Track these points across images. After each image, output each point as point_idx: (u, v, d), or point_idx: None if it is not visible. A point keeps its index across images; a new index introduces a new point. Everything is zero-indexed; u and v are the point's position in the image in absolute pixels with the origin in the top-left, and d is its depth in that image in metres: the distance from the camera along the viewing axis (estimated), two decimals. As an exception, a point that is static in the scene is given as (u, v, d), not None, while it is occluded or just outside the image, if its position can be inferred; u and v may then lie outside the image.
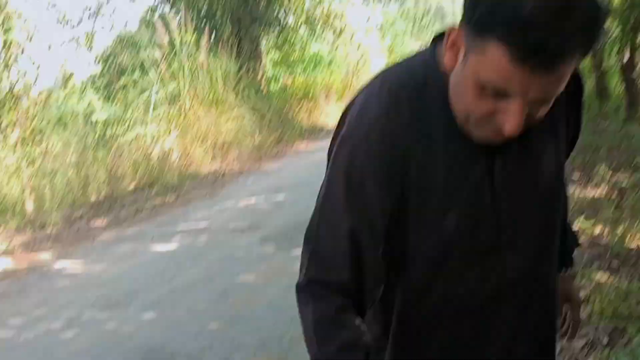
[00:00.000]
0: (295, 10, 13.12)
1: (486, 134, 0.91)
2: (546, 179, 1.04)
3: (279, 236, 5.21)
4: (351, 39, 14.10)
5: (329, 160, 1.06)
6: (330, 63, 16.24)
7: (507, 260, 1.02)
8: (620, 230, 3.99)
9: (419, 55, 1.05)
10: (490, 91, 0.85)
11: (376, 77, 1.05)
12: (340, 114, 1.09)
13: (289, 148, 11.72)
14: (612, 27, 7.75)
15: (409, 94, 0.97)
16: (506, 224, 1.01)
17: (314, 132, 14.17)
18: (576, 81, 1.02)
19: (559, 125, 1.04)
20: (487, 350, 1.07)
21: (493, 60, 0.81)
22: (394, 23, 23.54)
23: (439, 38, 0.99)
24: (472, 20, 0.83)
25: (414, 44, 30.25)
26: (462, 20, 0.87)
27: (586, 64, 8.69)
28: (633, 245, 3.77)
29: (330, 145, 1.07)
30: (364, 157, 0.97)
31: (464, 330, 1.06)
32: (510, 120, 0.85)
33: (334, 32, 13.71)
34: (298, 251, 4.09)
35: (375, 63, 21.43)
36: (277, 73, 15.23)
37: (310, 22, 13.44)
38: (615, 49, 8.81)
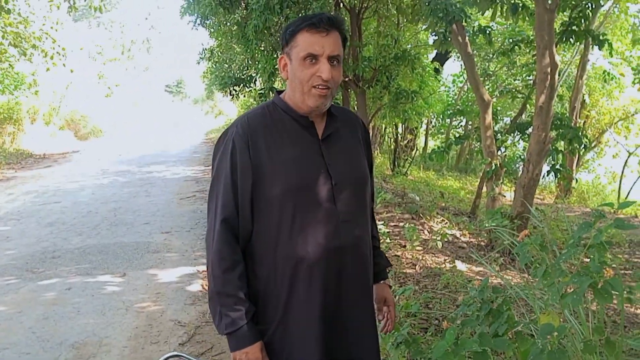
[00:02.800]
0: (2, 28, 12.21)
1: (315, 98, 1.65)
2: (357, 163, 1.78)
3: (17, 267, 5.13)
4: (62, 63, 13.58)
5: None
6: (33, 85, 15.32)
7: (339, 208, 1.68)
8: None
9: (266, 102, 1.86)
10: (308, 61, 1.62)
11: (243, 114, 1.83)
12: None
13: (-6, 175, 10.87)
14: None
15: (258, 115, 1.73)
16: (337, 183, 1.68)
17: (20, 158, 13.26)
18: (364, 127, 1.91)
19: (359, 142, 1.84)
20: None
21: (303, 40, 1.63)
22: (102, 50, 23.11)
23: (277, 93, 1.80)
24: (285, 38, 1.67)
25: (123, 71, 29.90)
26: (281, 50, 1.72)
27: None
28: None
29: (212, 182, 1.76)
30: (236, 139, 1.68)
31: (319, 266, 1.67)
32: (323, 69, 1.61)
33: (45, 54, 13.09)
34: (46, 281, 4.66)
35: (86, 88, 20.76)
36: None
37: (18, 42, 12.62)
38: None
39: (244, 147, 1.66)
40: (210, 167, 1.78)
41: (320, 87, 1.64)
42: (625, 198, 13.05)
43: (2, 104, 14.60)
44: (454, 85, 16.46)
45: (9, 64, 13.41)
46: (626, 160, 14.16)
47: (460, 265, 5.45)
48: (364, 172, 1.80)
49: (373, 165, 1.93)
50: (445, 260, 5.48)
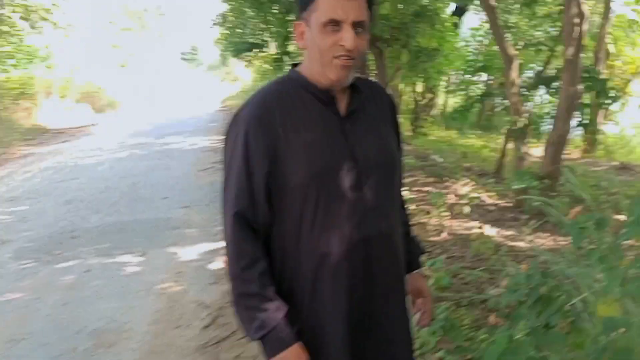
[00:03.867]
0: (11, 1, 12.04)
1: (336, 70, 1.44)
2: (385, 144, 1.57)
3: (35, 250, 5.05)
4: (74, 34, 13.43)
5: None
6: (47, 58, 15.20)
7: (366, 195, 1.48)
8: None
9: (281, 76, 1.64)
10: (329, 27, 1.40)
11: (255, 92, 1.58)
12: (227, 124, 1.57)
13: (11, 153, 10.82)
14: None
15: (273, 92, 1.53)
16: (363, 167, 1.48)
17: (37, 133, 13.21)
18: (392, 101, 1.69)
19: (387, 118, 1.63)
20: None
21: (323, 4, 1.40)
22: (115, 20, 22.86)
23: (292, 66, 1.60)
24: (303, 1, 1.44)
25: (140, 40, 29.66)
26: (297, 17, 1.50)
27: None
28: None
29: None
30: (250, 133, 1.46)
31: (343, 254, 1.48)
32: (347, 37, 1.40)
33: (54, 25, 12.92)
34: (64, 264, 4.44)
35: (101, 59, 20.60)
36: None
37: (27, 14, 12.44)
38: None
39: (258, 130, 1.46)
40: (223, 151, 1.56)
41: (343, 57, 1.43)
42: (655, 149, 12.63)
43: (15, 79, 14.48)
44: (473, 40, 15.94)
45: (19, 38, 13.24)
46: (654, 111, 13.64)
47: (489, 230, 5.25)
48: (392, 154, 1.60)
49: (401, 142, 1.71)
50: (473, 226, 5.27)
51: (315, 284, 1.48)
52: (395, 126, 1.67)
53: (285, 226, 1.49)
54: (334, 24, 1.40)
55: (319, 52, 1.44)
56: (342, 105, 1.53)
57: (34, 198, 7.06)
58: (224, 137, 1.56)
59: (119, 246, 5.10)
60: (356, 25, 1.41)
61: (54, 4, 13.12)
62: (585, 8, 5.50)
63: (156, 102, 23.40)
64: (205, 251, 4.90)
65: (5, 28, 12.66)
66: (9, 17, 12.46)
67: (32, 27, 12.70)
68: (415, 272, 1.77)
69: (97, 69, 20.41)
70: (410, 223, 1.81)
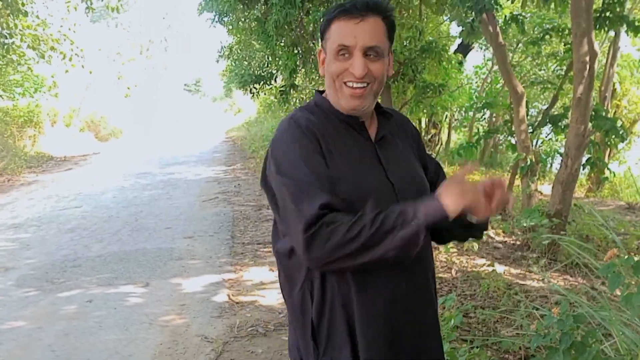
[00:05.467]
0: (21, 31, 12.15)
1: (347, 98, 1.42)
2: (414, 168, 1.55)
3: (37, 278, 4.96)
4: (81, 64, 13.52)
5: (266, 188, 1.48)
6: (52, 87, 15.27)
7: None
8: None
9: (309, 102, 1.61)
10: (341, 54, 1.40)
11: (285, 119, 1.51)
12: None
13: (15, 180, 10.78)
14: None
15: (306, 116, 1.47)
16: (399, 189, 1.45)
17: (41, 161, 13.20)
18: (415, 128, 1.68)
19: (412, 147, 1.61)
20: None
21: (335, 30, 1.42)
22: (121, 51, 23.10)
23: (319, 92, 1.56)
24: (322, 29, 1.46)
25: (145, 71, 29.91)
26: (320, 45, 1.51)
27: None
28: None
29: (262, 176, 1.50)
30: (304, 127, 1.42)
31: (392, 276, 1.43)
32: (355, 64, 1.38)
33: (64, 56, 13.01)
34: (66, 293, 4.36)
35: (105, 88, 20.76)
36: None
37: (37, 44, 12.55)
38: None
39: (313, 137, 1.40)
40: (263, 168, 1.49)
41: (352, 84, 1.41)
42: (660, 190, 12.56)
43: (22, 107, 14.55)
44: (476, 77, 16.06)
45: (28, 67, 13.34)
46: (660, 151, 13.67)
47: (498, 267, 5.16)
48: (422, 177, 1.57)
49: (436, 162, 1.69)
50: (483, 263, 5.18)
51: (358, 298, 1.41)
52: (420, 150, 1.65)
53: None
54: (345, 50, 1.40)
55: (330, 77, 1.44)
56: (372, 130, 1.52)
57: (37, 225, 6.99)
58: (263, 166, 1.49)
59: (121, 276, 5.01)
60: (368, 51, 1.40)
61: (63, 34, 13.24)
62: (597, 46, 5.52)
63: (160, 132, 23.48)
64: (210, 283, 4.80)
65: (14, 57, 12.76)
66: (19, 47, 12.56)
67: (41, 57, 12.79)
68: None
69: (102, 99, 20.54)
70: None
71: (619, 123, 7.29)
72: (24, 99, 14.62)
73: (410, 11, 9.20)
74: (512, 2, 8.22)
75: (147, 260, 5.45)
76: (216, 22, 9.86)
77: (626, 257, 1.56)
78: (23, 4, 11.55)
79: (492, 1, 6.08)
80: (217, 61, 12.40)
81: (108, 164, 13.36)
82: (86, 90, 18.98)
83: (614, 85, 12.57)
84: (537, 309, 3.73)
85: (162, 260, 5.44)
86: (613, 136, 6.79)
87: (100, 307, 4.29)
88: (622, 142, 10.34)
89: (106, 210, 7.82)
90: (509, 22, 6.83)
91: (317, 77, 9.76)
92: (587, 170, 7.32)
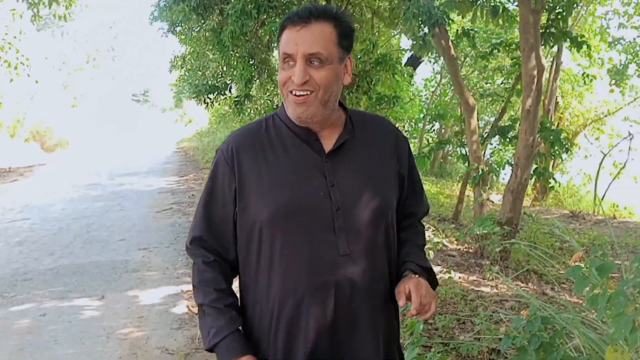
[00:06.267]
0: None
1: (292, 106, 1.40)
2: (375, 183, 1.46)
3: (-16, 293, 4.78)
4: (27, 73, 13.14)
5: None
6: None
7: (339, 238, 1.39)
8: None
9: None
10: (286, 62, 1.39)
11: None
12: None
13: (-44, 191, 10.36)
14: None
15: (251, 130, 1.52)
16: (340, 207, 1.39)
17: (-17, 172, 12.71)
18: (400, 138, 1.57)
19: (387, 157, 1.52)
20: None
21: (282, 39, 1.40)
22: (67, 60, 22.55)
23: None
24: (278, 39, 1.44)
25: (89, 80, 29.26)
26: None
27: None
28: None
29: None
30: (220, 162, 1.50)
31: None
32: (295, 71, 1.36)
33: (8, 64, 12.63)
34: (18, 307, 4.27)
35: (51, 98, 20.18)
36: None
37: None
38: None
39: (228, 169, 1.47)
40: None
41: (295, 92, 1.38)
42: (602, 199, 13.10)
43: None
44: (426, 90, 16.42)
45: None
46: (601, 162, 14.23)
47: (454, 274, 5.29)
48: (383, 194, 1.48)
49: (416, 182, 1.61)
50: (439, 271, 5.30)
51: (276, 330, 1.43)
52: (403, 163, 1.55)
53: (250, 267, 1.47)
54: (289, 58, 1.38)
55: (280, 84, 1.43)
56: (329, 141, 1.46)
57: (-18, 239, 6.74)
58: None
59: (75, 289, 4.89)
60: (310, 58, 1.37)
61: (8, 42, 12.86)
62: (544, 61, 5.75)
63: (109, 142, 22.96)
64: (168, 295, 4.74)
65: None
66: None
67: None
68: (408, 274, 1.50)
69: (47, 108, 19.97)
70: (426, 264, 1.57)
71: (562, 134, 7.61)
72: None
73: (364, 24, 9.35)
74: (462, 17, 8.49)
75: (101, 273, 5.33)
76: (168, 32, 9.77)
77: (589, 260, 1.64)
78: (-35, 10, 11.18)
79: (444, 15, 6.27)
80: (170, 71, 12.27)
81: (55, 175, 12.98)
82: (31, 99, 18.42)
83: (556, 99, 13.09)
84: (493, 313, 3.86)
85: (117, 273, 5.34)
86: (557, 147, 7.07)
87: (55, 320, 4.18)
88: (566, 153, 10.77)
89: (56, 223, 7.61)
90: (461, 36, 7.03)
91: (272, 88, 9.78)
92: (533, 179, 7.60)
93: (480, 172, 6.54)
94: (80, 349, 3.70)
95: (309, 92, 1.37)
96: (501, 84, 11.25)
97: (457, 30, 7.45)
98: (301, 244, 1.40)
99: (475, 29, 7.89)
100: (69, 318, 4.23)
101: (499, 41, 7.96)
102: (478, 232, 5.78)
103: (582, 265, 1.63)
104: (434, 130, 16.90)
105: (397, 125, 10.29)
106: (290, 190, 1.41)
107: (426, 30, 6.50)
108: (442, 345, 3.51)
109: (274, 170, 1.43)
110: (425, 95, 16.37)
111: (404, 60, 12.91)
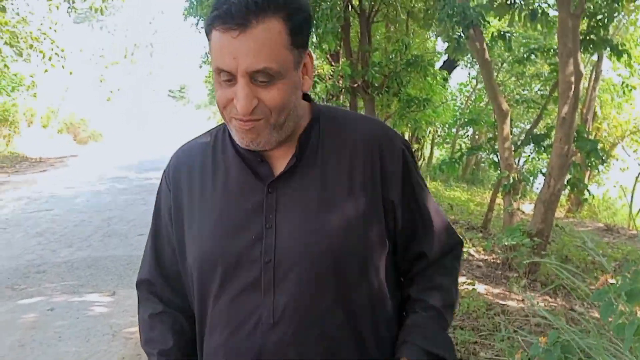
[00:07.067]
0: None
1: (238, 134, 1.03)
2: (331, 220, 1.05)
3: (-3, 283, 4.73)
4: (61, 64, 13.26)
5: None
6: (31, 87, 14.97)
7: (264, 299, 1.04)
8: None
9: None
10: (224, 80, 0.98)
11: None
12: None
13: (-15, 179, 10.48)
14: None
15: (196, 145, 1.20)
16: (273, 259, 1.04)
17: (15, 161, 12.87)
18: (395, 151, 1.13)
19: (364, 177, 1.09)
20: None
21: (213, 43, 0.97)
22: (104, 53, 22.80)
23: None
24: (206, 34, 1.01)
25: (125, 74, 29.64)
26: None
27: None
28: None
29: None
30: (162, 188, 1.22)
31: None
32: (238, 97, 0.97)
33: (43, 55, 12.75)
34: (26, 300, 4.12)
35: (86, 91, 20.47)
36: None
37: (15, 41, 12.28)
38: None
39: (166, 191, 1.20)
40: None
41: (239, 119, 1.01)
42: (637, 213, 12.66)
43: (-3, 105, 14.24)
44: (460, 94, 16.12)
45: (5, 65, 13.05)
46: (638, 175, 13.79)
47: (478, 286, 5.05)
48: (340, 234, 1.05)
49: (422, 209, 1.17)
50: (463, 282, 5.07)
51: None
52: (391, 189, 1.11)
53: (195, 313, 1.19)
54: (227, 75, 0.98)
55: (219, 106, 1.04)
56: (283, 162, 1.10)
57: (3, 228, 6.73)
58: None
59: (88, 284, 4.80)
60: (255, 75, 0.96)
61: (43, 33, 12.98)
62: (582, 67, 5.47)
63: (140, 137, 23.18)
64: (180, 294, 4.61)
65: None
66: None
67: (19, 55, 12.51)
68: None
69: (82, 101, 20.24)
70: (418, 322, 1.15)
71: (599, 145, 7.29)
72: (0, 97, 14.30)
73: (397, 25, 9.15)
74: (499, 20, 8.22)
75: (116, 268, 5.24)
76: (201, 27, 9.73)
77: (619, 283, 1.44)
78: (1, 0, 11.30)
79: (480, 17, 6.03)
80: (201, 67, 12.24)
81: (85, 167, 13.08)
82: (66, 91, 18.67)
83: (595, 109, 12.67)
84: (516, 331, 3.62)
85: (132, 269, 5.24)
86: (593, 158, 6.75)
87: (63, 316, 4.08)
88: (602, 164, 10.39)
89: (78, 215, 7.58)
90: (496, 39, 6.77)
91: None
92: (567, 191, 7.30)
93: (512, 181, 6.27)
94: (84, 347, 3.59)
95: (259, 119, 1.01)
96: (538, 90, 10.93)
97: (493, 33, 7.18)
98: (222, 304, 1.09)
99: (512, 33, 7.62)
100: (77, 314, 4.13)
101: (536, 46, 7.68)
102: (506, 243, 5.53)
103: (609, 287, 1.42)
104: (467, 136, 16.59)
105: (428, 130, 10.00)
106: (215, 236, 1.09)
107: (460, 31, 6.28)
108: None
109: (207, 203, 1.12)
110: (460, 100, 16.09)
111: (439, 63, 12.67)
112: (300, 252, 1.04)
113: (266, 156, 1.10)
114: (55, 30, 12.86)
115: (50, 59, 12.65)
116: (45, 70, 12.90)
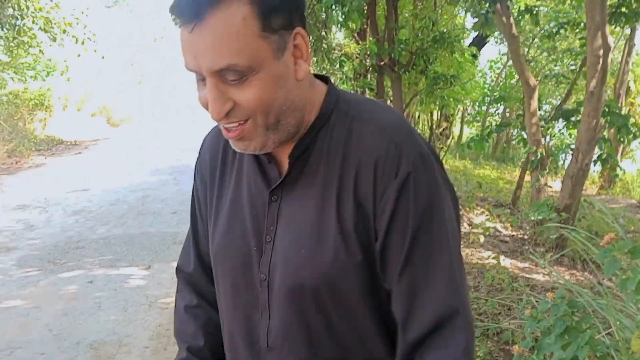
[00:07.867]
0: (33, 13, 12.16)
1: (230, 142, 0.93)
2: (312, 243, 0.93)
3: (39, 258, 4.96)
4: (94, 48, 13.52)
5: None
6: (65, 71, 15.30)
7: (259, 327, 0.99)
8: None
9: None
10: (196, 77, 0.86)
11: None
12: None
13: (24, 162, 10.80)
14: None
15: (211, 138, 1.11)
16: (265, 281, 0.97)
17: (51, 144, 13.22)
18: (400, 162, 0.89)
19: (349, 192, 0.91)
20: None
21: (180, 39, 0.84)
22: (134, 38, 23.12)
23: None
24: None
25: (156, 58, 29.95)
26: None
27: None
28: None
29: None
30: (196, 168, 1.14)
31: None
32: (209, 104, 0.85)
33: (76, 40, 13.01)
34: (67, 274, 4.34)
35: (118, 74, 20.80)
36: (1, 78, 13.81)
37: (49, 26, 12.56)
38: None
39: (196, 179, 1.15)
40: None
41: (224, 127, 0.90)
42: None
43: (33, 91, 14.58)
44: (490, 72, 15.93)
45: (40, 50, 13.36)
46: (673, 150, 13.52)
47: (504, 261, 5.10)
48: (329, 266, 0.91)
49: (414, 255, 0.90)
50: (488, 256, 5.12)
51: None
52: (378, 214, 0.90)
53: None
54: (198, 75, 0.86)
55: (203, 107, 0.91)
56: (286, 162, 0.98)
57: (42, 207, 7.00)
58: None
59: (124, 258, 5.00)
60: (223, 73, 0.82)
61: (76, 18, 13.24)
62: (611, 40, 5.41)
63: (173, 120, 23.49)
64: (212, 268, 4.78)
65: (25, 39, 12.77)
66: (30, 29, 12.57)
67: (53, 39, 12.79)
68: None
69: (113, 84, 20.59)
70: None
71: (631, 120, 7.20)
72: (36, 82, 14.66)
73: (425, 2, 9.10)
74: (527, -6, 8.12)
75: (150, 244, 5.44)
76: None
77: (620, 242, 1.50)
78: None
79: (507, -9, 5.99)
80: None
81: (118, 148, 13.37)
82: (98, 75, 19.02)
83: (628, 83, 12.41)
84: (538, 301, 3.68)
85: (166, 244, 5.43)
86: (624, 133, 6.68)
87: (101, 288, 4.28)
88: (634, 139, 10.24)
89: (113, 194, 7.82)
90: (523, 13, 6.72)
91: (329, 67, 9.67)
92: (599, 167, 7.23)
93: (539, 156, 6.26)
94: (123, 316, 3.78)
95: (242, 122, 0.87)
96: (568, 66, 10.77)
97: (520, 7, 7.12)
98: (225, 317, 1.07)
99: (540, 7, 7.54)
100: (115, 286, 4.33)
101: (565, 20, 7.58)
102: (533, 218, 5.55)
103: (614, 245, 1.49)
104: (498, 113, 16.42)
105: (457, 107, 9.91)
106: (222, 240, 1.03)
107: (487, 6, 6.25)
108: (482, 329, 3.38)
109: (224, 197, 1.05)
110: (490, 77, 15.90)
111: (468, 40, 12.54)
112: (289, 272, 0.94)
113: (275, 155, 0.98)
114: (87, 15, 13.11)
115: (82, 43, 12.91)
116: (79, 55, 13.18)
